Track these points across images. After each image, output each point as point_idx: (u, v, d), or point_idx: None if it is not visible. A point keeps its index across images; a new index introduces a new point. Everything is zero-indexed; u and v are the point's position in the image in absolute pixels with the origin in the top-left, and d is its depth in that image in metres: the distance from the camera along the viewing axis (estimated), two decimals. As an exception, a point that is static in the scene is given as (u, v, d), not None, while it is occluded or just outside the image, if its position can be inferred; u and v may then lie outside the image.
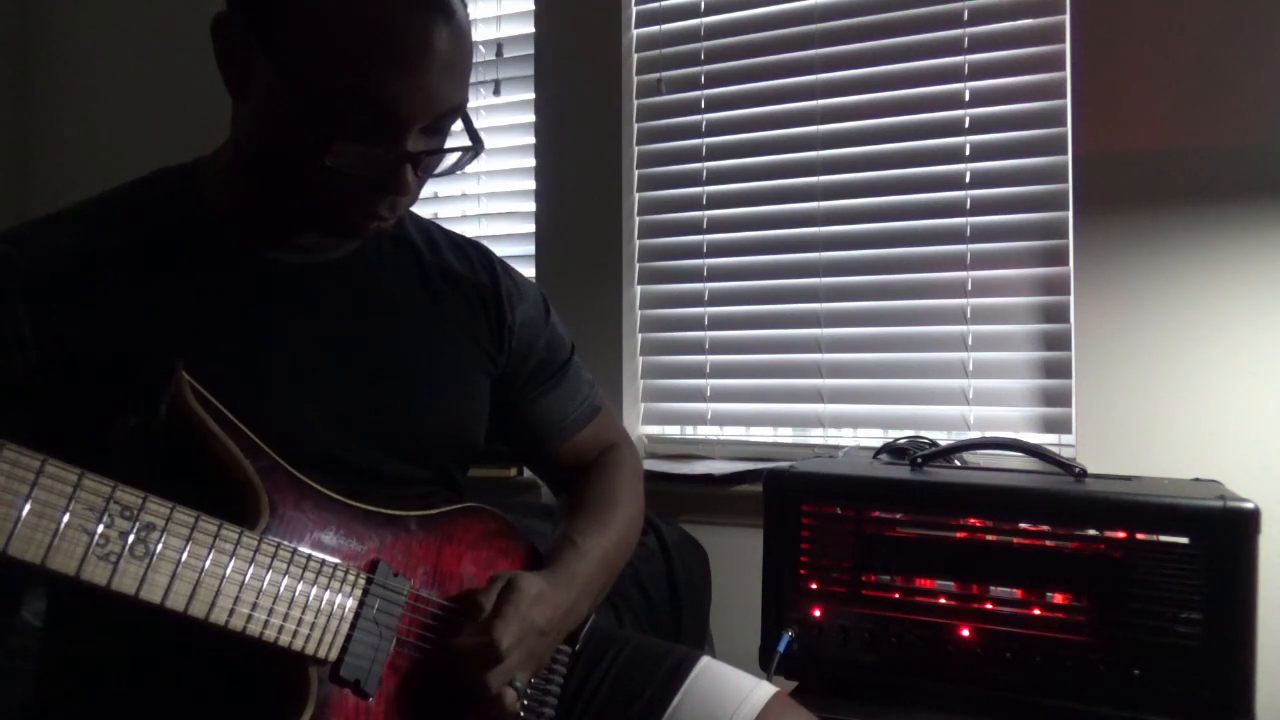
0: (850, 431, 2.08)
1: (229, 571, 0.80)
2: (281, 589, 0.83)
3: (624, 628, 1.62)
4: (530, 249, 2.32)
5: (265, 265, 0.96)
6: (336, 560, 0.88)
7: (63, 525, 0.72)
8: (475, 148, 0.92)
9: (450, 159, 0.92)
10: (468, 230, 2.38)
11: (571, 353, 1.19)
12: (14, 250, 0.87)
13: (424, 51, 0.84)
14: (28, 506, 0.71)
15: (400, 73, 0.83)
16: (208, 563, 0.79)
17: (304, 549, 0.86)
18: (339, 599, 0.87)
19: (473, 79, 2.56)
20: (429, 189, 2.43)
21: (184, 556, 0.78)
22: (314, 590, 0.85)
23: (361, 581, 0.89)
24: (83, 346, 0.86)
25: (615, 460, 1.20)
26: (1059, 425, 1.87)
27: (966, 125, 1.94)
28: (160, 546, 0.77)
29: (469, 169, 2.39)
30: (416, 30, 0.83)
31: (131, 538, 0.75)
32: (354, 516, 0.91)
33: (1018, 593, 1.30)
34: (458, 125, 0.93)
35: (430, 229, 1.11)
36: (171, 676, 0.88)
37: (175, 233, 0.93)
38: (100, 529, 0.74)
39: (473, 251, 1.13)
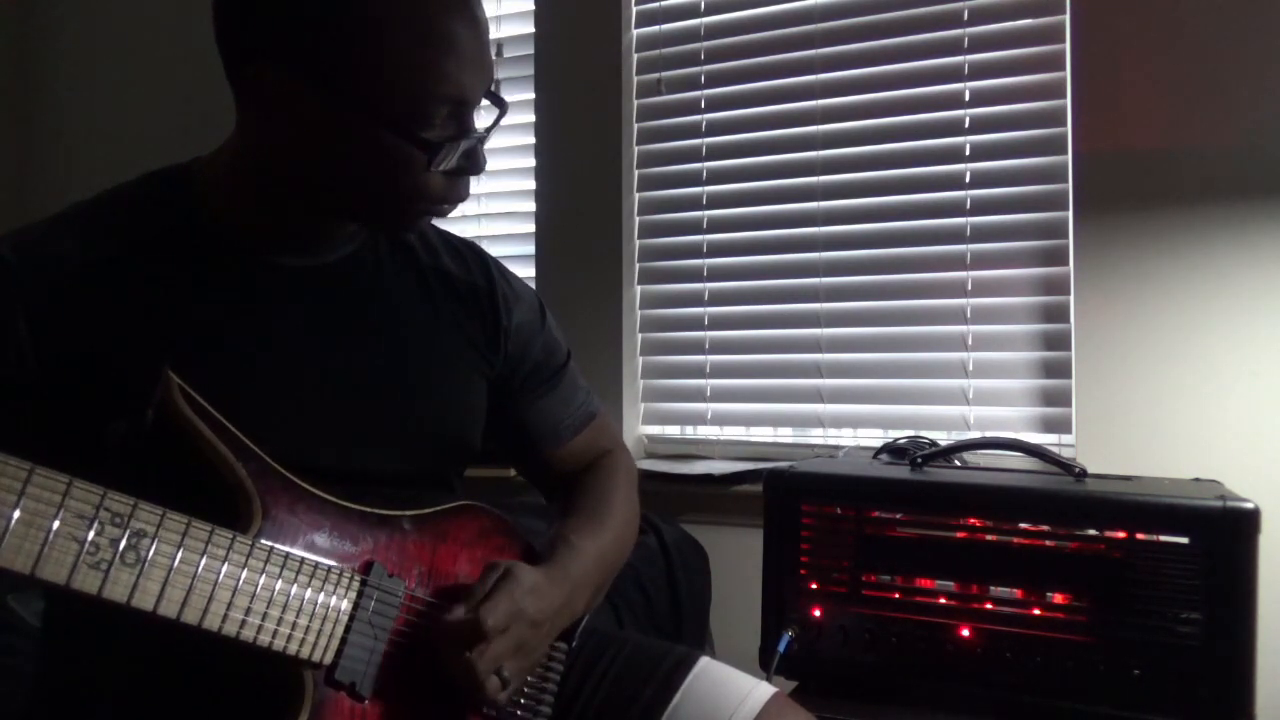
0: (850, 431, 2.08)
1: (221, 577, 0.80)
2: (275, 593, 0.83)
3: (624, 628, 1.62)
4: (530, 249, 2.32)
5: (264, 268, 0.96)
6: (330, 562, 0.87)
7: (52, 534, 0.71)
8: (503, 109, 0.98)
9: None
10: (468, 230, 2.38)
11: (568, 358, 1.19)
12: (13, 255, 0.88)
13: (470, 37, 0.89)
14: (16, 515, 0.70)
15: (464, 65, 0.88)
16: (200, 569, 0.79)
17: (297, 552, 0.85)
18: (333, 601, 0.87)
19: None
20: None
21: (176, 563, 0.77)
22: (308, 593, 0.85)
23: (356, 583, 0.89)
24: (81, 351, 0.86)
25: (611, 465, 1.20)
26: (1059, 425, 1.86)
27: (966, 125, 1.93)
28: (152, 553, 0.76)
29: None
30: (462, 21, 0.88)
31: (122, 545, 0.75)
32: (348, 518, 0.91)
33: (1018, 593, 1.30)
34: None
35: (427, 231, 1.11)
36: (168, 680, 0.88)
37: (173, 236, 0.93)
38: (90, 536, 0.73)
39: (469, 254, 1.12)
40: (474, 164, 0.94)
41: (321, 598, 0.86)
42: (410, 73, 0.86)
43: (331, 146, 0.89)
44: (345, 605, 0.88)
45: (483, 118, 0.96)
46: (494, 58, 2.29)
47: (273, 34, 0.87)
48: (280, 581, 0.83)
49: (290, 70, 0.87)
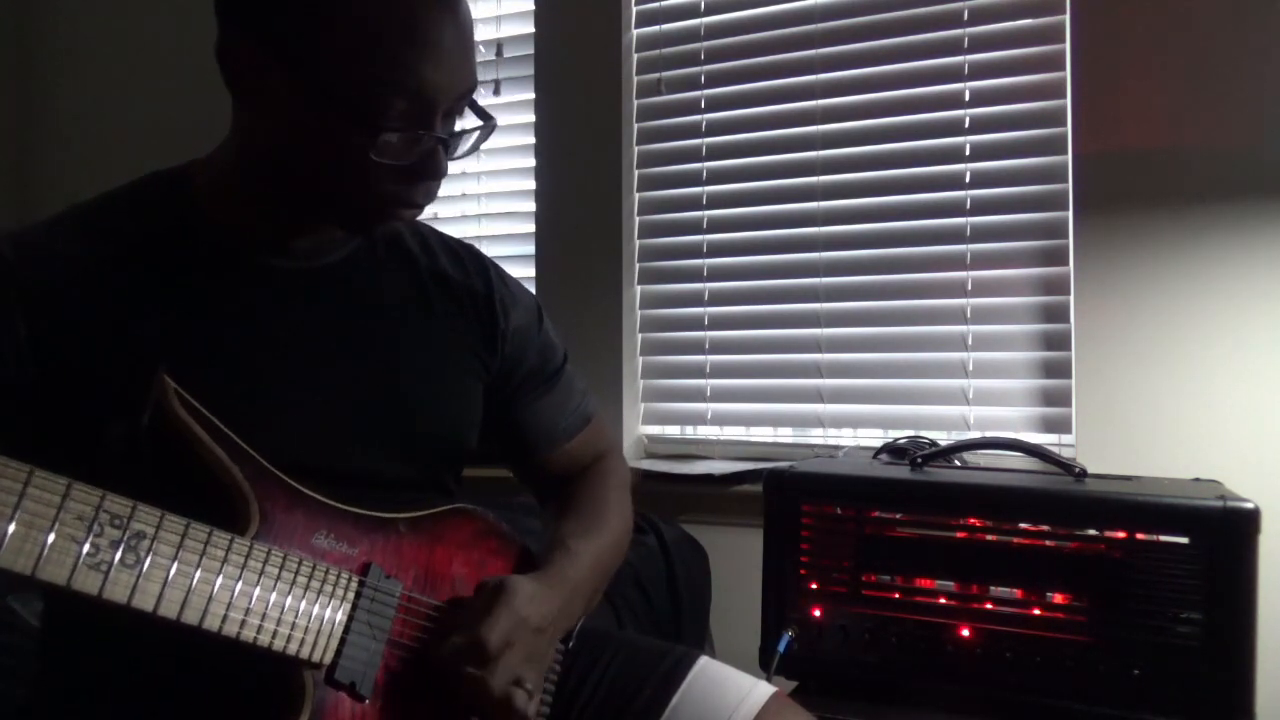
0: (850, 431, 2.08)
1: (220, 578, 0.80)
2: (273, 594, 0.83)
3: (624, 628, 1.62)
4: (530, 249, 2.32)
5: (259, 270, 0.96)
6: (328, 564, 0.88)
7: (52, 536, 0.72)
8: (489, 125, 0.96)
9: (471, 138, 0.96)
10: (467, 230, 2.39)
11: (564, 361, 1.19)
12: (12, 254, 0.88)
13: (443, 34, 0.88)
14: (16, 517, 0.70)
15: (427, 57, 0.86)
16: (198, 570, 0.79)
17: (295, 553, 0.85)
18: (332, 602, 0.87)
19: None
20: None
21: (175, 564, 0.77)
22: (306, 594, 0.85)
23: (354, 585, 0.89)
24: (78, 352, 0.86)
25: (606, 469, 1.20)
26: (1059, 425, 1.86)
27: (966, 125, 1.93)
28: (151, 555, 0.76)
29: (470, 168, 2.40)
30: (435, 15, 0.87)
31: (122, 547, 0.75)
32: (344, 520, 0.91)
33: (1018, 593, 1.30)
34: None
35: (425, 233, 1.11)
36: (168, 679, 0.88)
37: (170, 238, 0.93)
38: (90, 538, 0.73)
39: (467, 256, 1.12)
40: (429, 166, 0.91)
41: (320, 599, 0.86)
42: (367, 55, 0.85)
43: (293, 130, 0.89)
44: (344, 606, 0.88)
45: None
46: (493, 58, 2.34)
47: (241, 3, 0.87)
48: (278, 583, 0.84)
49: (259, 45, 0.87)
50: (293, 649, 0.84)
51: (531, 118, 2.31)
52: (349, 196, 0.92)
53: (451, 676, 0.90)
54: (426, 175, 0.92)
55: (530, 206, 2.34)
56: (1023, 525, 1.31)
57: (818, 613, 1.39)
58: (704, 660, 1.11)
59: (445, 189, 2.70)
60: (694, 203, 2.18)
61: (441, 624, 0.94)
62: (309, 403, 0.94)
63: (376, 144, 0.87)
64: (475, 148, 0.97)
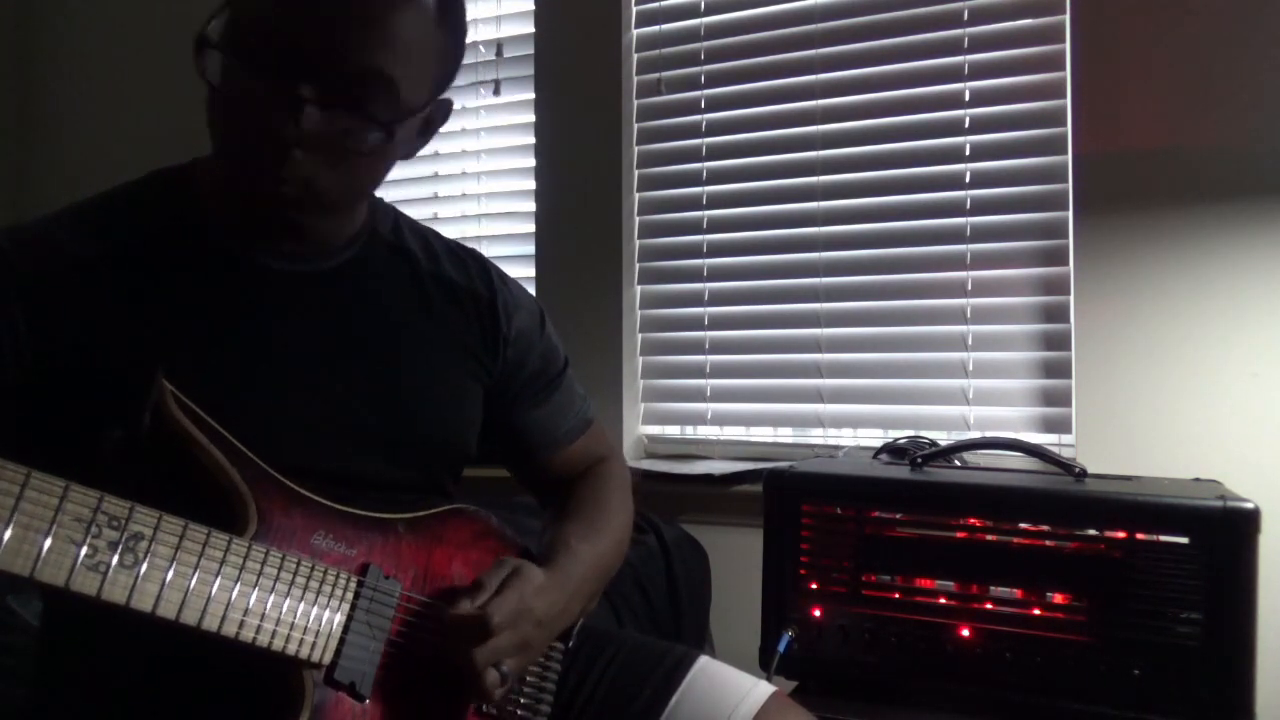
0: (850, 431, 2.08)
1: (219, 579, 0.80)
2: (272, 595, 0.83)
3: (624, 627, 1.62)
4: (530, 249, 2.32)
5: (258, 272, 0.95)
6: (326, 565, 0.88)
7: (50, 538, 0.72)
8: (388, 128, 0.88)
9: (374, 136, 0.88)
10: (467, 230, 2.38)
11: (565, 365, 1.19)
12: (12, 249, 0.87)
13: None
14: (14, 520, 0.70)
15: (301, 7, 0.83)
16: (196, 571, 0.79)
17: (293, 554, 0.85)
18: (331, 603, 0.87)
19: (473, 79, 2.52)
20: (429, 188, 2.43)
21: (173, 565, 0.77)
22: (305, 595, 0.85)
23: (353, 585, 0.89)
24: (75, 350, 0.86)
25: (606, 472, 1.20)
26: (1059, 425, 1.86)
27: (966, 125, 1.93)
28: (149, 556, 0.76)
29: (470, 168, 2.39)
30: None
31: (120, 548, 0.75)
32: (343, 521, 0.91)
33: (1018, 593, 1.30)
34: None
35: (429, 238, 1.11)
36: (168, 680, 0.88)
37: (169, 237, 0.93)
38: (88, 540, 0.73)
39: (470, 261, 1.12)
40: (270, 120, 0.83)
41: (319, 599, 0.86)
42: None
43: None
44: (343, 607, 0.88)
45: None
46: (493, 58, 2.34)
47: None
48: (277, 583, 0.83)
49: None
50: (292, 649, 0.84)
51: (531, 118, 2.31)
52: (221, 153, 0.90)
53: (449, 648, 0.90)
54: (267, 134, 0.83)
55: (530, 206, 2.34)
56: (1023, 525, 1.31)
57: (818, 613, 1.39)
58: (704, 660, 1.11)
59: (445, 189, 2.68)
60: (694, 203, 2.18)
61: (455, 596, 0.93)
62: (308, 404, 0.94)
63: (203, 59, 0.83)
64: (365, 149, 0.88)
